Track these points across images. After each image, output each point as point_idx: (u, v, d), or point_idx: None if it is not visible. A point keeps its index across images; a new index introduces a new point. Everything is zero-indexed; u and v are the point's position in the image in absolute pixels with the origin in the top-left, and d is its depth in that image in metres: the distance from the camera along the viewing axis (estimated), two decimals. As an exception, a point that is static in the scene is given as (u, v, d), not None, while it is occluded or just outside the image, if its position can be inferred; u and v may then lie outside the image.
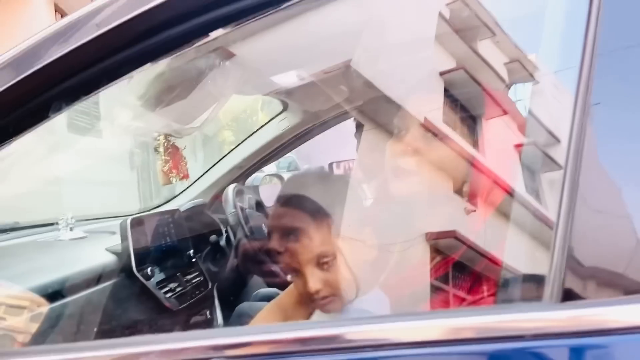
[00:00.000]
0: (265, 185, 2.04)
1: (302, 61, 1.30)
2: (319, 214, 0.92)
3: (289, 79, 1.44)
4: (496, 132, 0.94)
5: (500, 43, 0.96)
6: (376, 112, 1.00)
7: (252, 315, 1.59)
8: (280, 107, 1.85)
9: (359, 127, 1.05)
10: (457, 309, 0.79)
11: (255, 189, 2.00)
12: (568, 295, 0.47)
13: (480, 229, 0.88)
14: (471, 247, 0.84)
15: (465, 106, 0.94)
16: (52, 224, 1.57)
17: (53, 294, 1.13)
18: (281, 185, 2.03)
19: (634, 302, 0.47)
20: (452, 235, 0.85)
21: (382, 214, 1.02)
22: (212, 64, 1.21)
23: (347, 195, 0.99)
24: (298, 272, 0.92)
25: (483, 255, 0.83)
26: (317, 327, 0.61)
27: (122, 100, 1.30)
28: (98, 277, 1.31)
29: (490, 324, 0.49)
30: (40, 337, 0.99)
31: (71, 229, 1.48)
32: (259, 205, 1.88)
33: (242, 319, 1.57)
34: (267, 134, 1.91)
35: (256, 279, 1.80)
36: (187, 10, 0.64)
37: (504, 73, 0.94)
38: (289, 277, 1.36)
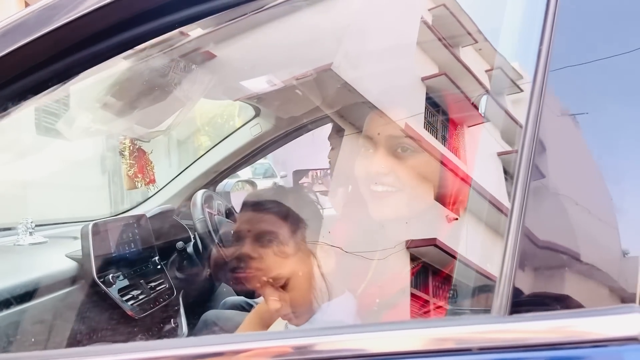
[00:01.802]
0: (237, 191, 2.02)
1: (279, 65, 1.28)
2: (286, 222, 0.91)
3: (264, 83, 1.42)
4: (478, 138, 0.93)
5: (482, 50, 0.96)
6: (358, 117, 0.99)
7: (218, 323, 1.57)
8: (253, 113, 1.83)
9: (339, 131, 1.04)
10: (405, 320, 0.78)
11: (226, 194, 1.98)
12: (516, 308, 0.47)
13: (462, 237, 0.87)
14: (451, 255, 0.83)
15: (447, 112, 0.94)
16: (11, 228, 1.52)
17: (8, 301, 1.09)
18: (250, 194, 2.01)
19: (582, 315, 0.47)
20: (433, 242, 0.85)
21: (361, 221, 1.01)
22: (182, 67, 1.19)
23: (327, 203, 0.98)
24: (260, 292, 0.91)
25: (463, 262, 0.82)
26: (287, 337, 0.59)
27: (91, 102, 1.27)
28: (57, 284, 1.27)
29: (437, 335, 0.48)
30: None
31: (31, 234, 1.43)
32: (229, 212, 1.86)
33: (209, 328, 1.54)
34: (239, 140, 1.89)
35: (224, 287, 1.77)
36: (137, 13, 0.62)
37: (485, 80, 0.93)
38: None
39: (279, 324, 0.99)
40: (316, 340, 0.53)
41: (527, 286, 0.48)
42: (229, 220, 1.76)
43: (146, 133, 1.26)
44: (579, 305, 0.48)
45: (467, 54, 0.93)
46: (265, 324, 1.07)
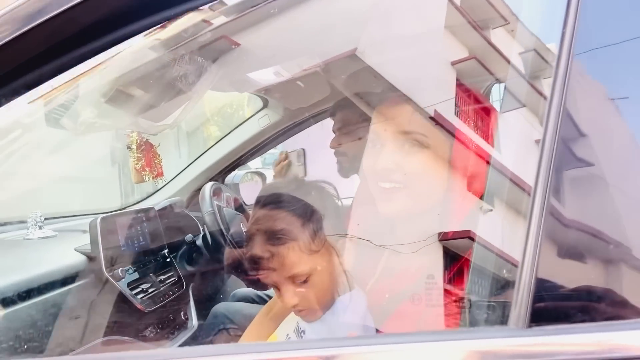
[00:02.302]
0: (246, 182, 2.00)
1: (302, 52, 1.24)
2: (305, 218, 0.89)
3: (281, 72, 1.38)
4: (513, 125, 0.89)
5: (515, 32, 0.92)
6: (388, 103, 0.94)
7: (229, 316, 1.56)
8: (261, 104, 1.81)
9: (364, 120, 1.00)
10: (414, 332, 0.75)
11: (235, 186, 1.96)
12: (536, 320, 0.43)
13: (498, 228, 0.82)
14: (487, 248, 0.79)
15: (479, 97, 0.90)
16: (22, 222, 1.52)
17: (17, 296, 1.09)
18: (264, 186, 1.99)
19: (612, 328, 0.42)
20: (467, 235, 0.80)
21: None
22: (189, 59, 1.17)
23: (356, 193, 0.95)
24: (276, 287, 0.90)
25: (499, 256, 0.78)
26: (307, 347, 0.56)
27: (97, 96, 1.25)
28: (66, 279, 1.27)
29: (448, 349, 0.45)
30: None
31: (40, 227, 1.43)
32: (239, 204, 1.84)
33: (219, 320, 1.54)
34: (247, 132, 1.87)
35: (233, 279, 1.77)
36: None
37: (518, 63, 0.89)
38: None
39: (291, 320, 0.97)
40: (328, 353, 0.50)
41: (549, 294, 0.44)
42: (237, 213, 1.75)
43: (153, 127, 1.24)
44: (611, 317, 0.43)
45: (499, 36, 0.88)
46: (277, 319, 1.05)
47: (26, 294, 1.10)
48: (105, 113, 1.14)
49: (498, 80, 0.90)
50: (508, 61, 0.86)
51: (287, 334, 0.97)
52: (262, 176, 2.08)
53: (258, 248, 0.88)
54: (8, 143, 1.35)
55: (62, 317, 1.19)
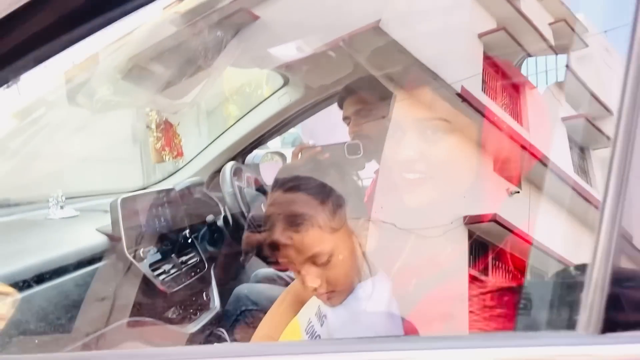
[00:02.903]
0: (266, 163, 1.97)
1: (324, 25, 1.19)
2: (326, 199, 0.86)
3: (303, 48, 1.33)
4: (540, 102, 0.83)
5: (545, 0, 0.85)
6: (411, 79, 0.90)
7: (251, 297, 1.55)
8: (281, 82, 1.76)
9: (385, 98, 0.95)
10: (474, 335, 0.68)
11: (255, 166, 1.93)
12: (610, 325, 0.37)
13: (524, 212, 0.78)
14: (513, 232, 0.75)
15: (506, 72, 0.84)
16: (44, 202, 1.52)
17: (37, 277, 1.08)
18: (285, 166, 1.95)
19: None
20: (492, 218, 0.76)
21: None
22: (210, 33, 1.13)
23: (380, 176, 0.92)
24: (296, 270, 0.87)
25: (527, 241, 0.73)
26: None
27: (114, 73, 1.22)
28: (87, 259, 1.26)
29: (505, 357, 0.39)
30: (20, 325, 0.94)
31: (62, 207, 1.43)
32: (259, 184, 1.82)
33: (241, 302, 1.53)
34: (267, 110, 1.83)
35: (254, 259, 1.75)
36: None
37: (548, 34, 0.83)
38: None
39: (313, 304, 0.95)
40: (366, 357, 0.46)
41: (627, 295, 0.38)
42: (258, 193, 1.72)
43: (171, 105, 1.21)
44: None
45: (528, 5, 0.82)
46: (297, 304, 1.03)
47: (47, 275, 1.09)
48: (122, 90, 1.11)
49: (528, 53, 0.84)
50: (539, 32, 0.80)
51: (309, 319, 0.95)
52: (282, 156, 2.05)
53: (277, 233, 0.86)
54: (29, 123, 1.34)
55: (84, 299, 1.19)
